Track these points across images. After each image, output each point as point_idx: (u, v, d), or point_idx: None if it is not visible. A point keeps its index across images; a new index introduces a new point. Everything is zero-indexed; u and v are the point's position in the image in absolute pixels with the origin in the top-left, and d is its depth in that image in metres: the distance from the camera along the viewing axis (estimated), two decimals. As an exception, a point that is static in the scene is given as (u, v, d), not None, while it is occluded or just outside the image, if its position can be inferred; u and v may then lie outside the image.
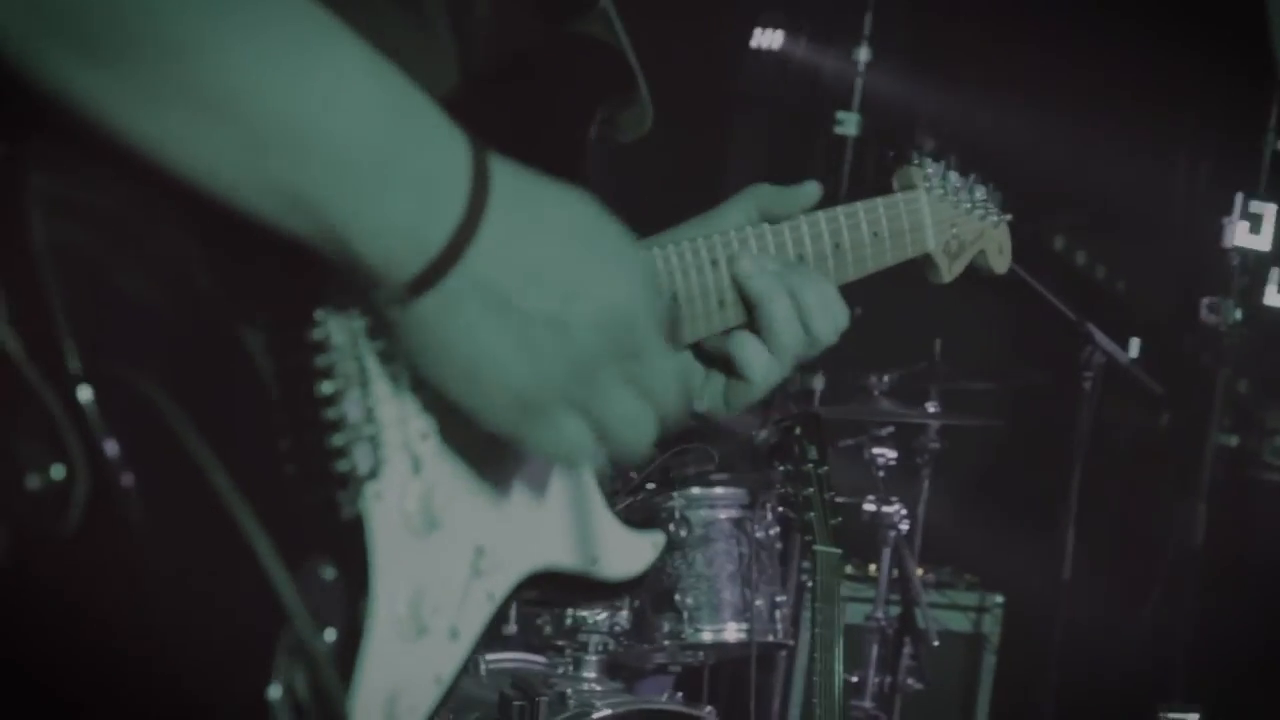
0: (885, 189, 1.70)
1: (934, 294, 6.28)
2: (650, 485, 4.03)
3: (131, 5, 0.95)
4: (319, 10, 1.01)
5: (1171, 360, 6.11)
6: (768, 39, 6.85)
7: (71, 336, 0.94)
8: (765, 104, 6.55)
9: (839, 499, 4.44)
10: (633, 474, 4.02)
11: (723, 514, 4.04)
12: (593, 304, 1.13)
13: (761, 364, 1.48)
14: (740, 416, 5.12)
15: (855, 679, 4.89)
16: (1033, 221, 6.62)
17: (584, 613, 3.82)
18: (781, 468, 3.92)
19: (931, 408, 5.28)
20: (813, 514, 3.82)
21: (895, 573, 4.97)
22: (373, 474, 1.15)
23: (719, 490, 4.08)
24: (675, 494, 4.00)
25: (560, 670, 3.81)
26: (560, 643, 3.86)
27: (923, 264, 1.74)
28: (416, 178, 1.04)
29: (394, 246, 1.04)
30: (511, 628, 3.87)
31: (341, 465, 1.12)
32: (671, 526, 3.95)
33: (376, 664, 1.14)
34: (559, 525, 1.37)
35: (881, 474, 5.02)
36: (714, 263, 1.48)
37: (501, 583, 1.30)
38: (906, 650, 4.89)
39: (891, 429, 5.10)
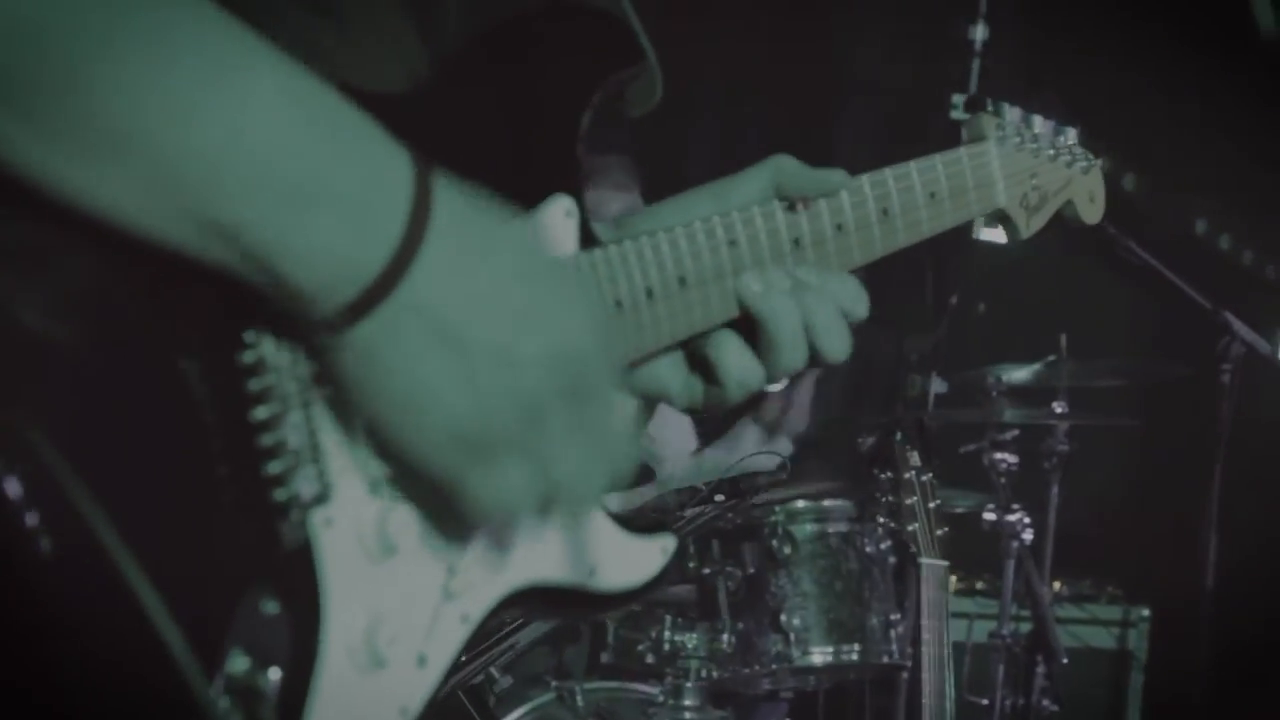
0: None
1: (1059, 285, 6.18)
2: (719, 497, 3.90)
3: (22, 40, 0.93)
4: (231, 28, 1.00)
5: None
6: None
7: None
8: (873, 89, 6.44)
9: (957, 508, 4.70)
10: (701, 485, 3.95)
11: (829, 528, 3.99)
12: (544, 339, 1.11)
13: (740, 371, 1.44)
14: (850, 421, 5.11)
15: (985, 701, 4.80)
16: (1171, 203, 6.51)
17: (681, 637, 3.78)
18: (883, 476, 3.93)
19: (1058, 408, 5.12)
20: (916, 525, 3.83)
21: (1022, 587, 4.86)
22: (320, 500, 1.13)
23: (825, 503, 4.02)
24: (777, 508, 3.95)
25: (660, 699, 3.78)
26: (660, 669, 3.82)
27: (998, 220, 1.70)
28: (347, 197, 1.01)
29: (326, 271, 1.02)
30: (608, 655, 3.92)
31: (281, 493, 1.10)
32: (774, 543, 3.92)
33: (328, 700, 1.12)
34: (546, 537, 1.33)
35: (1003, 480, 4.87)
36: (732, 243, 1.43)
37: (477, 604, 1.27)
38: (1039, 670, 4.74)
39: (1015, 432, 4.96)
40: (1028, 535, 4.80)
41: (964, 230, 5.46)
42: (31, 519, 0.93)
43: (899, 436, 3.89)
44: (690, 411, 1.51)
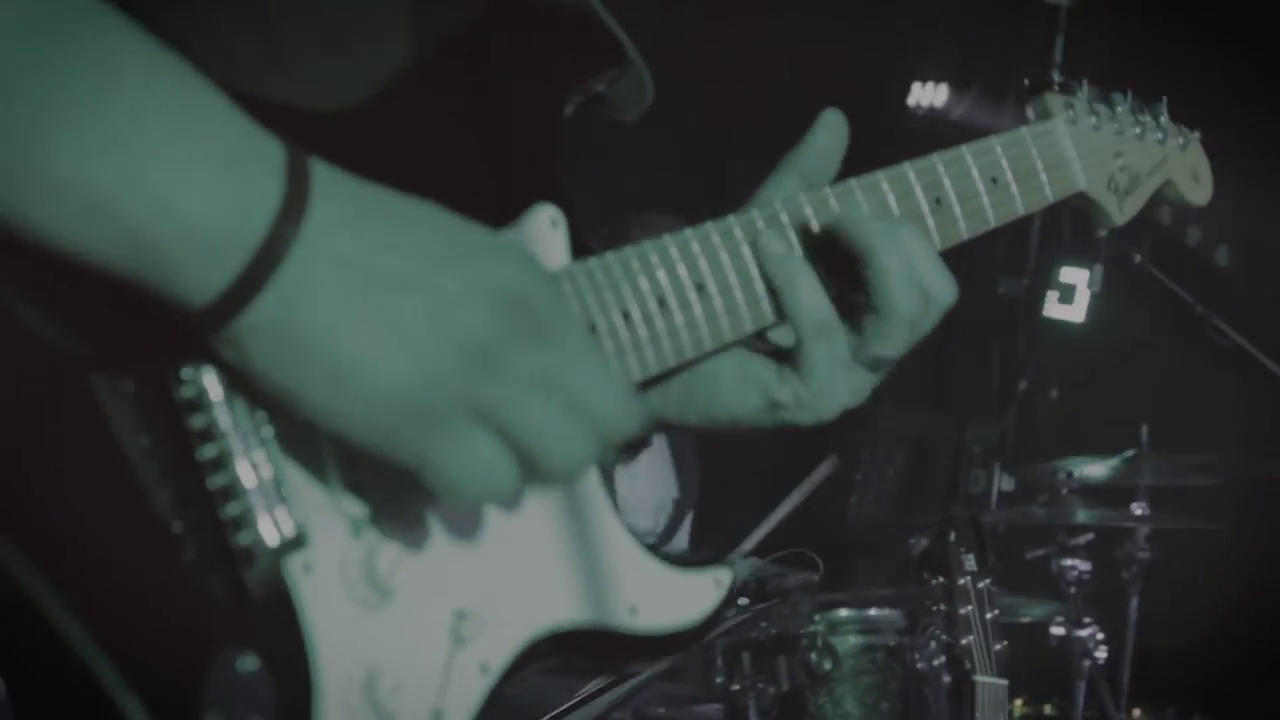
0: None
1: (1141, 370, 6.14)
2: (744, 600, 3.93)
3: None
4: (91, 5, 1.04)
5: None
6: (929, 95, 6.92)
7: None
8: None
9: (1022, 619, 4.65)
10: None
11: (875, 640, 4.06)
12: (469, 274, 1.10)
13: (814, 307, 1.41)
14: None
15: None
16: (1269, 278, 6.44)
17: None
18: (935, 581, 3.82)
19: (1138, 509, 5.06)
20: (971, 638, 3.70)
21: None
22: (295, 543, 1.14)
23: (870, 612, 4.10)
24: (816, 617, 4.00)
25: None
26: None
27: (1083, 208, 1.70)
28: (219, 161, 1.03)
29: (207, 241, 1.02)
30: None
31: (243, 537, 1.11)
32: (813, 656, 3.99)
33: None
34: (573, 572, 1.33)
35: (1074, 590, 4.83)
36: (754, 243, 1.43)
37: (498, 651, 1.27)
38: (1115, 808, 4.80)
39: (1089, 535, 4.92)
40: (1101, 653, 4.78)
41: (1034, 307, 5.45)
42: None
43: (952, 537, 3.77)
44: (798, 408, 1.45)
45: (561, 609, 1.32)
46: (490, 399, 1.10)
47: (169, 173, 1.01)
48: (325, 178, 1.07)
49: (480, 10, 1.40)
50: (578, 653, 1.34)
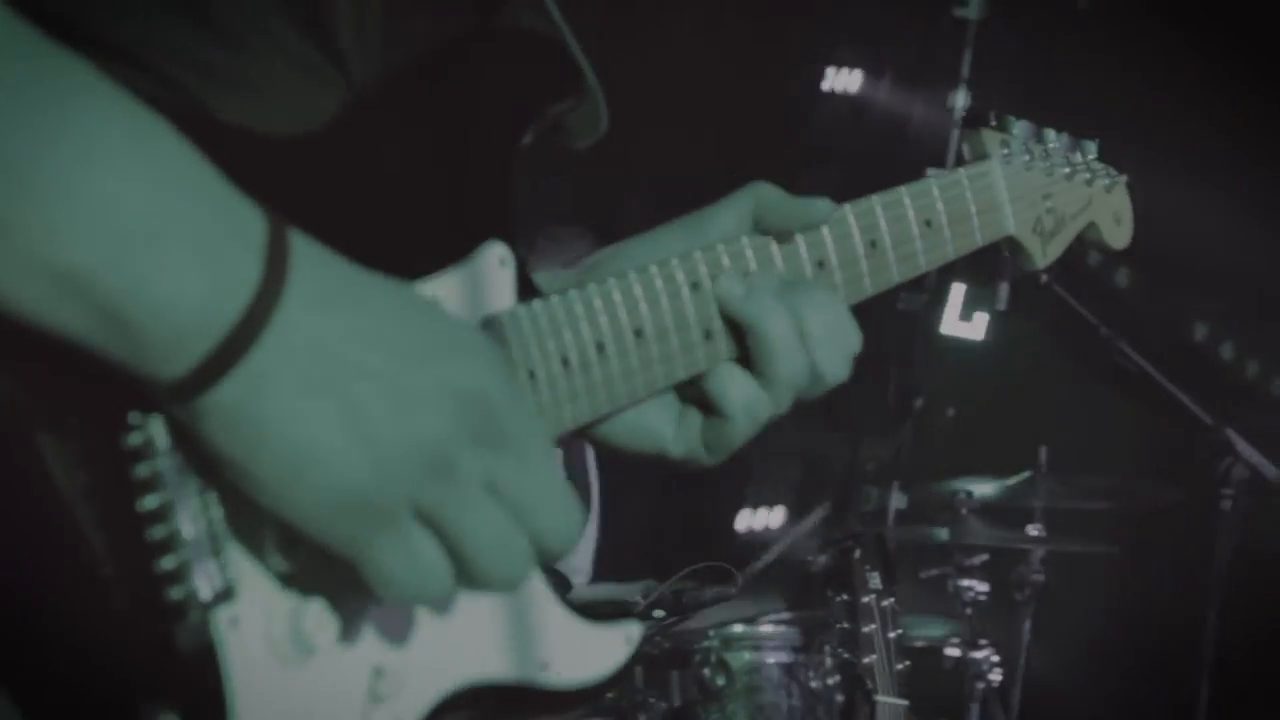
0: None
1: (1040, 391, 6.29)
2: (658, 613, 4.07)
3: None
4: (81, 76, 1.04)
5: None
6: (843, 80, 7.05)
7: None
8: (840, 158, 6.69)
9: (917, 640, 4.66)
10: (639, 598, 4.12)
11: (770, 658, 4.10)
12: (437, 374, 1.12)
13: (743, 396, 1.45)
14: (794, 539, 5.21)
15: None
16: (1168, 305, 6.65)
17: None
18: (838, 599, 3.89)
19: (1034, 530, 5.18)
20: (874, 657, 3.77)
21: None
22: (224, 597, 1.14)
23: (765, 629, 4.14)
24: (711, 633, 4.04)
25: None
26: None
27: (1007, 249, 1.71)
28: (199, 240, 1.04)
29: (180, 322, 1.03)
30: None
31: (176, 592, 1.11)
32: (706, 671, 4.01)
33: None
34: (488, 630, 1.35)
35: (969, 611, 4.94)
36: (694, 286, 1.45)
37: (411, 707, 1.29)
38: (1003, 834, 4.86)
39: (985, 556, 5.04)
40: (995, 676, 4.84)
41: (931, 324, 5.55)
42: None
43: (858, 554, 3.85)
44: (688, 462, 1.51)
45: (476, 666, 1.35)
46: (438, 503, 1.13)
47: (147, 258, 1.02)
48: (303, 256, 1.08)
49: (448, 36, 1.42)
50: (488, 706, 1.36)
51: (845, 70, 7.00)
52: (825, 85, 7.02)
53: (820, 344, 1.45)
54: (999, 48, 6.19)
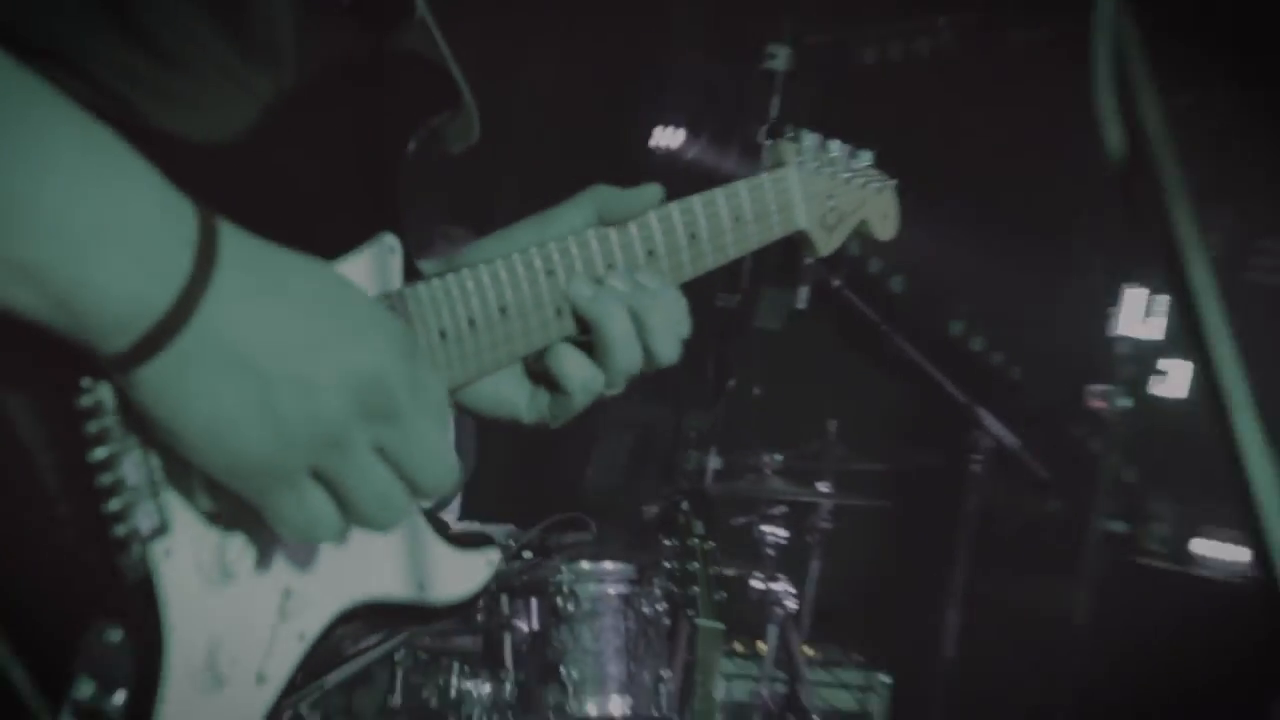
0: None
1: (831, 375, 6.66)
2: (527, 554, 4.29)
3: None
4: (29, 86, 1.06)
5: (1060, 447, 6.46)
6: (667, 137, 7.15)
7: None
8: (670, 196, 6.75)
9: (727, 573, 4.96)
10: (510, 541, 4.23)
11: (611, 589, 4.24)
12: (338, 363, 1.16)
13: (582, 377, 1.52)
14: (631, 490, 5.51)
15: (742, 755, 5.18)
16: (932, 307, 6.86)
17: (468, 685, 4.09)
18: (668, 542, 4.20)
19: (824, 487, 5.58)
20: (697, 588, 4.09)
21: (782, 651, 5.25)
22: (160, 532, 1.20)
23: (608, 565, 4.29)
24: (564, 568, 4.23)
25: (444, 742, 4.03)
26: (445, 715, 4.09)
27: (798, 240, 1.77)
28: (136, 239, 1.07)
29: (119, 308, 1.06)
30: (396, 699, 4.16)
31: (121, 529, 1.17)
32: (559, 600, 4.18)
33: (173, 718, 1.21)
34: (378, 558, 1.41)
35: (771, 552, 5.26)
36: (549, 273, 1.52)
37: (313, 622, 1.35)
38: (793, 728, 5.15)
39: (784, 508, 5.33)
40: (790, 604, 5.20)
41: (745, 317, 5.69)
42: None
43: (685, 506, 4.16)
44: (538, 426, 1.58)
45: (367, 586, 1.40)
46: (330, 466, 1.18)
47: (94, 256, 1.04)
48: (231, 249, 1.12)
49: (348, 56, 1.46)
50: (375, 620, 1.42)
51: (670, 129, 7.16)
52: (652, 142, 7.18)
53: (657, 334, 1.51)
54: (803, 95, 6.32)
